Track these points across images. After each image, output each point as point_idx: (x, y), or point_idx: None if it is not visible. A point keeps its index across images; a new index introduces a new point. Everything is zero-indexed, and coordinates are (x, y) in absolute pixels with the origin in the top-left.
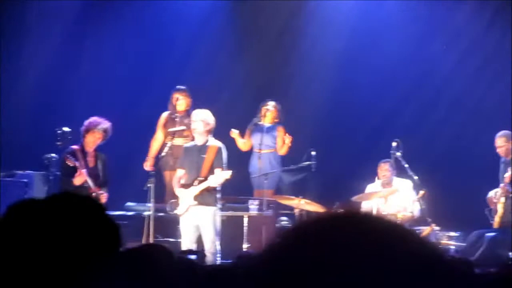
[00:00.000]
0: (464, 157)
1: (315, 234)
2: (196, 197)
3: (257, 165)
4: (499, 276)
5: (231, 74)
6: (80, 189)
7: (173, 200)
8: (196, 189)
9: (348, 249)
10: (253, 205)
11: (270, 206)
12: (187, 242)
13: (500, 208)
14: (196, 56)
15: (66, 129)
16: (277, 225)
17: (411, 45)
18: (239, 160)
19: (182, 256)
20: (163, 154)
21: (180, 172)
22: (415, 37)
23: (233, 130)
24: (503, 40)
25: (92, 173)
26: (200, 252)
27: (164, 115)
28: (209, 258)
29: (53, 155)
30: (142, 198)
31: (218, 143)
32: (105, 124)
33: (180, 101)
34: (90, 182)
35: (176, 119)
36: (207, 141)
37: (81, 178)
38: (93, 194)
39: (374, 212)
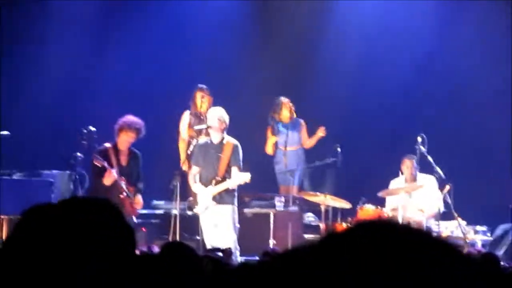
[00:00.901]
0: (490, 151)
1: (340, 249)
2: (214, 197)
3: (283, 162)
4: None
5: (252, 73)
6: (111, 188)
7: (190, 199)
8: (214, 189)
9: (376, 264)
10: (279, 201)
11: (296, 203)
12: (209, 240)
13: None
14: (216, 56)
15: (91, 128)
16: (303, 221)
17: (435, 40)
18: (263, 157)
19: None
20: (188, 152)
21: (195, 169)
22: (440, 31)
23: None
24: None
25: (124, 172)
26: (226, 250)
27: (187, 114)
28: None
29: (79, 154)
30: (168, 196)
31: (234, 141)
32: (138, 124)
33: (204, 100)
34: (121, 182)
35: (201, 117)
36: (223, 138)
37: (110, 178)
38: (124, 193)
39: (400, 207)
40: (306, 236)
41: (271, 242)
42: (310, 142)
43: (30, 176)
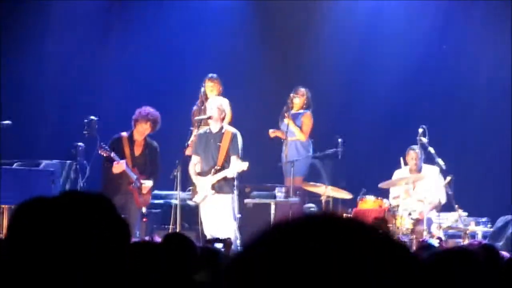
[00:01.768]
0: (491, 142)
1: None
2: (213, 186)
3: (283, 153)
4: None
5: (257, 65)
6: (121, 178)
7: (191, 187)
8: (213, 178)
9: (321, 258)
10: (280, 192)
11: (297, 194)
12: (209, 230)
13: None
14: (222, 50)
15: (93, 118)
16: (303, 212)
17: (437, 31)
18: (266, 148)
19: (206, 245)
20: (188, 142)
21: (195, 159)
22: (441, 23)
23: (271, 131)
24: None
25: (138, 162)
26: (225, 240)
27: (195, 107)
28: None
29: (80, 144)
30: (169, 186)
31: (233, 130)
32: (154, 115)
33: (212, 88)
34: (130, 172)
35: (202, 107)
36: (222, 128)
37: (119, 167)
38: (133, 184)
39: (401, 198)
40: None
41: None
42: (299, 136)
43: (31, 166)
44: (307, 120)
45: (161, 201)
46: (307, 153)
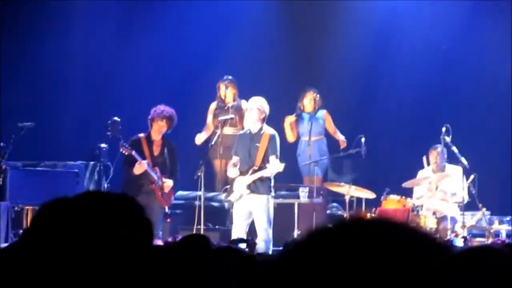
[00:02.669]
0: None
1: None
2: (249, 186)
3: (307, 153)
4: None
5: (273, 64)
6: (142, 178)
7: (227, 187)
8: (250, 178)
9: (372, 260)
10: (303, 192)
11: (320, 193)
12: (238, 230)
13: None
14: (239, 49)
15: (116, 119)
16: (327, 211)
17: (461, 28)
18: (286, 148)
19: (230, 245)
20: (212, 143)
21: (234, 159)
22: (465, 20)
23: (288, 117)
24: None
25: (157, 162)
26: (250, 240)
27: (213, 105)
28: (261, 246)
29: (103, 145)
30: (193, 187)
31: (272, 131)
32: (168, 112)
33: (228, 91)
34: (151, 171)
35: (225, 108)
36: (261, 129)
37: (140, 168)
38: (155, 184)
39: (425, 197)
40: None
41: (296, 233)
42: (337, 133)
43: (55, 167)
44: (328, 117)
45: (184, 202)
46: (328, 153)
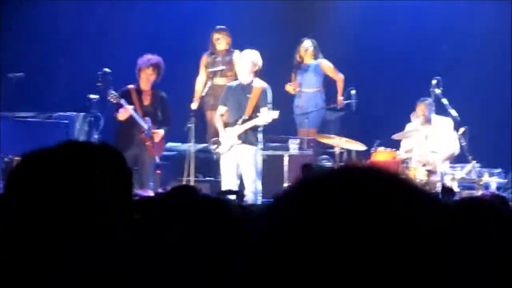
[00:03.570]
0: (506, 93)
1: (332, 186)
2: (240, 136)
3: (298, 104)
4: None
5: (267, 14)
6: (132, 128)
7: (215, 138)
8: (241, 128)
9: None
10: (294, 144)
11: (311, 145)
12: (227, 181)
13: None
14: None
15: (106, 70)
16: (317, 163)
17: None
18: (280, 99)
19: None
20: (203, 94)
21: (221, 109)
22: None
23: (288, 85)
24: None
25: (148, 111)
26: (239, 191)
27: (205, 55)
28: (250, 198)
29: (94, 96)
30: (184, 138)
31: (264, 84)
32: (154, 59)
33: (220, 41)
34: (140, 120)
35: (217, 59)
36: (252, 81)
37: (125, 112)
38: (145, 133)
39: (415, 149)
40: None
41: (285, 185)
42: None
43: (45, 118)
44: (327, 64)
45: (175, 153)
46: (321, 105)
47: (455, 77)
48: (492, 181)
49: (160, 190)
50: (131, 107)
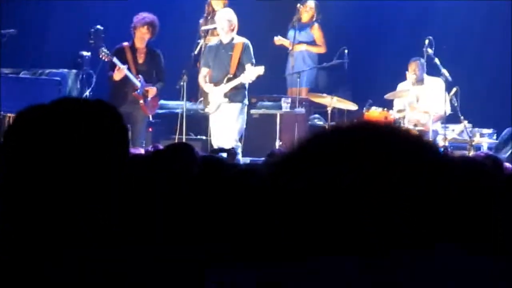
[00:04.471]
0: (499, 53)
1: (335, 143)
2: (226, 95)
3: (290, 63)
4: None
5: None
6: (125, 86)
7: (201, 99)
8: (227, 86)
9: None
10: (286, 103)
11: (303, 104)
12: (217, 140)
13: None
14: None
15: (99, 27)
16: (308, 123)
17: None
18: (272, 58)
19: (211, 155)
20: (195, 52)
21: (204, 71)
22: None
23: (276, 38)
24: None
25: (141, 69)
26: (230, 150)
27: (201, 20)
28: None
29: (86, 53)
30: (175, 96)
31: (244, 40)
32: (149, 18)
33: (217, 1)
34: (133, 78)
35: (210, 18)
36: (232, 38)
37: (119, 73)
38: (138, 91)
39: (407, 109)
40: None
41: (277, 143)
42: (322, 48)
43: (38, 75)
44: (318, 32)
45: (167, 111)
46: (313, 64)
47: (447, 37)
48: (484, 141)
49: (149, 148)
50: (125, 66)
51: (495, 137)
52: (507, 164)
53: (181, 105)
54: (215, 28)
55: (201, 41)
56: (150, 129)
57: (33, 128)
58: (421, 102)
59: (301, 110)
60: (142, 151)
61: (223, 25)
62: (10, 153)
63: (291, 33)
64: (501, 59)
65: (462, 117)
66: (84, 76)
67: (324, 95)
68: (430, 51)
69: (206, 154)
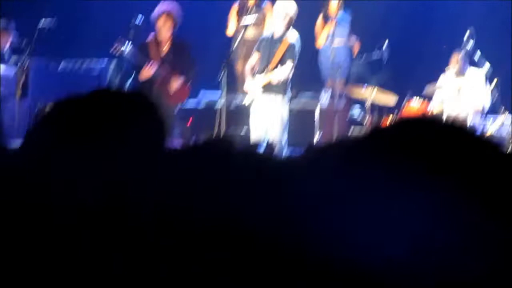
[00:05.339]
0: None
1: (386, 139)
2: (264, 87)
3: (330, 57)
4: None
5: None
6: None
7: (244, 89)
8: (263, 79)
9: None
10: (325, 96)
11: (342, 97)
12: (256, 133)
13: None
14: None
15: (139, 17)
16: (348, 115)
17: None
18: (311, 52)
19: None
20: (235, 45)
21: (255, 56)
22: None
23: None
24: None
25: (167, 60)
26: (269, 143)
27: (235, 5)
28: (276, 148)
29: (126, 43)
30: (214, 89)
31: (293, 39)
32: (165, 6)
33: None
34: (161, 72)
35: (245, 9)
36: (284, 34)
37: (146, 73)
38: (164, 82)
39: (447, 102)
40: (352, 130)
41: (317, 136)
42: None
43: (78, 64)
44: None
45: (205, 105)
46: (352, 57)
47: (489, 28)
48: None
49: (188, 142)
50: (152, 64)
51: None
52: None
53: (220, 97)
54: (252, 24)
55: (239, 37)
56: (189, 123)
57: (68, 119)
58: (462, 95)
59: (341, 102)
60: (177, 144)
61: (279, 16)
62: (44, 144)
63: (328, 27)
64: None
65: (502, 108)
66: (124, 66)
67: (364, 87)
68: (471, 42)
69: (245, 147)
